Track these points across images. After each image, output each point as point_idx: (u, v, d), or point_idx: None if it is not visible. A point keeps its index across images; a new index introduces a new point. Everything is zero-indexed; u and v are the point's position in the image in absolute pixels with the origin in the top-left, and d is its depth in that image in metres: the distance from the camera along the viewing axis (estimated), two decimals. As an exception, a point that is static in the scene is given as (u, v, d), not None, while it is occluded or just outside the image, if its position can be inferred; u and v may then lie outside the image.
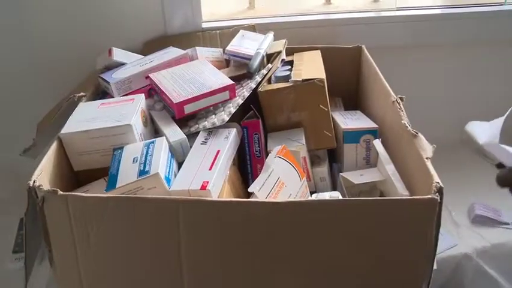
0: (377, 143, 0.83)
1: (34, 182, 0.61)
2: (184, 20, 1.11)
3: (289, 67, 0.95)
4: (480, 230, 1.09)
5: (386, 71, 0.96)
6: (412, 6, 1.26)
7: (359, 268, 0.64)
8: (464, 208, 1.16)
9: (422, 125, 0.98)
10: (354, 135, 0.87)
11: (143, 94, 0.84)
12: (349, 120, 0.93)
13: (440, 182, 0.62)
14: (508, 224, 1.09)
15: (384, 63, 1.02)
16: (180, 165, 0.72)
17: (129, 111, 0.77)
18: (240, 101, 0.80)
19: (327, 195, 0.76)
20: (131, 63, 0.93)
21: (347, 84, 1.10)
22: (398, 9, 1.25)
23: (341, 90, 1.09)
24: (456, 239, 1.07)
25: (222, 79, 0.83)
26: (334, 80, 1.05)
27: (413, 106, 1.04)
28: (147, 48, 1.08)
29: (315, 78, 0.81)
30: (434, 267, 1.00)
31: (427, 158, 0.68)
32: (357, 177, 0.82)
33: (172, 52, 0.96)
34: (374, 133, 0.88)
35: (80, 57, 1.04)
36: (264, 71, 0.89)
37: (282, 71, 0.92)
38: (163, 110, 0.85)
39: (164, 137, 0.75)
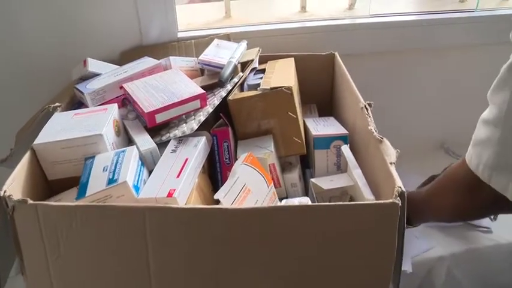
0: (345, 149, 0.85)
1: (5, 191, 0.63)
2: (160, 30, 1.12)
3: (262, 75, 0.97)
4: (457, 234, 1.10)
5: (361, 77, 0.99)
6: (386, 13, 1.28)
7: (326, 272, 0.66)
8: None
9: (397, 130, 1.01)
10: (324, 142, 0.89)
11: (116, 104, 0.85)
12: (320, 127, 0.94)
13: (402, 187, 0.64)
14: (488, 228, 1.10)
15: (359, 69, 1.05)
16: (150, 173, 0.74)
17: (102, 121, 0.78)
18: (210, 110, 0.82)
19: (296, 201, 0.78)
20: (106, 74, 0.95)
21: (321, 91, 1.12)
22: (372, 16, 1.27)
23: (315, 97, 1.11)
24: (432, 242, 1.09)
25: (194, 88, 0.85)
26: (308, 87, 1.08)
27: (388, 112, 1.07)
28: (124, 58, 1.10)
29: (283, 86, 0.83)
30: (410, 270, 1.02)
31: (391, 163, 0.70)
32: (326, 183, 0.84)
33: (146, 62, 0.98)
34: (344, 139, 0.90)
35: (58, 68, 1.05)
36: (236, 80, 0.91)
37: (254, 79, 0.95)
38: (136, 119, 0.86)
39: (135, 146, 0.76)
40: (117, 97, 0.92)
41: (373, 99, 0.89)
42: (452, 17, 1.28)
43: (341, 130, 0.92)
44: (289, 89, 0.83)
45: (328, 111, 1.11)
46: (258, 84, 0.90)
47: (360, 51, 1.23)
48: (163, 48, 1.11)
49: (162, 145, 0.80)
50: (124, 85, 0.89)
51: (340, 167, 0.90)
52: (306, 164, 0.96)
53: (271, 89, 0.83)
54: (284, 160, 0.90)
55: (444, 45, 1.28)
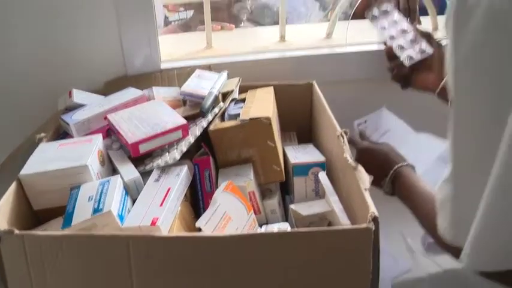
0: (322, 176, 0.88)
1: (-10, 222, 0.65)
2: (143, 61, 1.16)
3: (242, 104, 1.01)
4: (435, 256, 1.11)
5: (339, 104, 1.03)
6: (361, 42, 1.33)
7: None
8: (420, 234, 1.20)
9: None
10: (303, 169, 0.93)
11: (101, 134, 0.88)
12: (299, 154, 0.98)
13: (375, 212, 0.68)
14: None
15: (337, 96, 1.08)
16: (134, 202, 0.77)
17: (87, 151, 0.81)
18: (192, 140, 0.85)
19: (275, 228, 0.81)
20: (91, 104, 0.98)
21: (300, 118, 1.16)
22: (349, 45, 1.32)
23: (295, 125, 1.14)
24: (411, 264, 1.11)
25: (176, 119, 0.88)
26: (288, 115, 1.11)
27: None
28: (108, 87, 1.13)
29: (261, 117, 0.86)
30: (389, 292, 1.05)
31: (365, 189, 0.74)
32: (305, 208, 0.87)
33: (130, 93, 1.01)
34: (322, 166, 0.93)
35: (43, 96, 1.06)
36: (216, 110, 0.94)
37: (234, 109, 0.98)
38: (120, 149, 0.89)
39: (119, 176, 0.79)
40: (102, 127, 0.94)
41: (349, 126, 0.93)
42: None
43: (319, 157, 0.96)
44: (268, 119, 0.86)
45: (307, 138, 1.15)
46: (238, 114, 0.94)
47: (337, 79, 1.27)
48: (146, 78, 1.14)
49: (145, 174, 0.82)
50: (108, 116, 0.92)
51: (319, 193, 0.93)
52: (286, 190, 0.99)
53: (251, 119, 0.87)
54: (264, 187, 0.93)
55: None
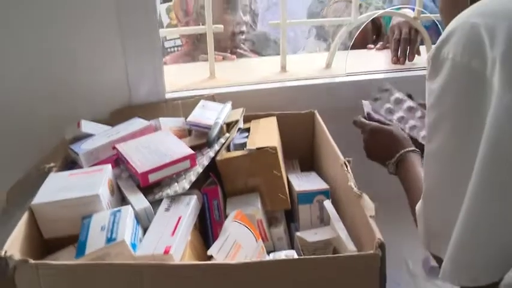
0: (327, 204, 0.90)
1: (5, 252, 0.66)
2: (148, 91, 1.18)
3: (247, 134, 1.03)
4: (436, 280, 1.12)
5: (340, 132, 1.06)
6: (360, 71, 1.37)
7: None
8: (421, 258, 1.21)
9: (377, 178, 1.07)
10: (308, 197, 0.95)
11: (110, 164, 0.90)
12: (303, 182, 1.00)
13: (381, 238, 0.70)
14: None
15: (338, 124, 1.11)
16: (145, 230, 0.78)
17: (97, 181, 0.83)
18: (200, 170, 0.87)
19: (282, 255, 0.83)
20: (99, 135, 1.00)
21: (302, 146, 1.18)
22: (348, 75, 1.35)
23: (297, 153, 1.17)
24: (413, 288, 1.13)
25: (183, 149, 0.90)
26: (290, 144, 1.14)
27: (367, 165, 1.12)
28: (114, 117, 1.15)
29: (267, 147, 0.89)
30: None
31: (370, 216, 0.76)
32: (311, 235, 0.89)
33: (137, 123, 1.03)
34: (326, 193, 0.96)
35: (49, 126, 1.08)
36: (222, 140, 0.96)
37: (239, 139, 1.00)
38: (129, 178, 0.91)
39: (130, 205, 0.80)
40: (110, 157, 0.96)
41: (352, 153, 0.96)
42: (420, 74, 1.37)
43: (323, 185, 0.98)
44: (274, 148, 0.89)
45: (309, 166, 1.17)
46: (244, 144, 0.96)
47: (337, 107, 1.30)
48: (151, 108, 1.16)
49: (154, 203, 0.84)
50: (117, 145, 0.94)
51: (323, 220, 0.95)
52: (291, 217, 1.01)
53: (257, 149, 0.89)
54: (270, 215, 0.94)
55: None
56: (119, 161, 0.95)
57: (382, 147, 1.05)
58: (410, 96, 1.19)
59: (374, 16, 1.33)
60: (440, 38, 0.69)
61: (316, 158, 1.17)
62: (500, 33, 0.61)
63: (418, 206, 0.80)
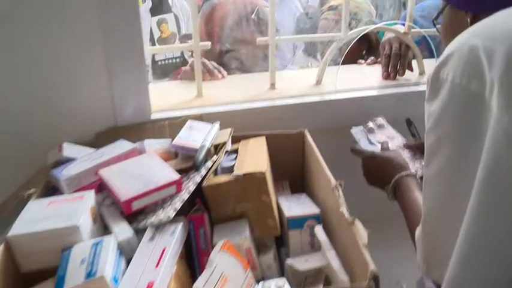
0: (318, 230, 0.87)
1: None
2: (134, 112, 1.15)
3: (235, 156, 1.00)
4: None
5: (332, 150, 1.05)
6: (351, 88, 1.34)
7: None
8: (416, 279, 1.18)
9: (370, 195, 1.05)
10: (298, 222, 0.92)
11: (93, 190, 0.86)
12: (293, 205, 0.97)
13: (375, 269, 0.67)
14: None
15: (329, 143, 1.10)
16: (129, 261, 0.74)
17: (78, 209, 0.79)
18: (186, 197, 0.84)
19: (272, 284, 0.79)
20: (81, 159, 0.96)
21: (292, 167, 1.16)
22: (338, 91, 1.33)
23: (287, 174, 1.14)
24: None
25: (169, 174, 0.87)
26: (280, 164, 1.11)
27: (358, 185, 1.10)
28: (99, 139, 1.12)
29: (256, 172, 0.86)
30: None
31: (363, 244, 0.73)
32: (302, 263, 0.86)
33: (121, 146, 1.00)
34: (317, 218, 0.93)
35: (31, 149, 1.04)
36: (209, 164, 0.93)
37: (227, 161, 0.97)
38: (112, 205, 0.87)
39: (112, 235, 0.77)
40: (94, 182, 0.93)
41: (343, 172, 0.94)
42: (410, 90, 1.36)
43: (314, 210, 0.95)
44: (262, 174, 0.86)
45: (300, 187, 1.14)
46: (232, 167, 0.93)
47: (328, 126, 1.28)
48: (137, 129, 1.13)
49: (138, 231, 0.80)
50: (100, 171, 0.91)
51: (314, 246, 0.92)
52: (281, 241, 0.97)
53: (245, 174, 0.86)
54: (259, 241, 0.91)
55: (412, 117, 1.33)
56: (102, 186, 0.92)
57: (379, 173, 1.05)
58: (409, 121, 1.17)
59: (364, 32, 1.30)
60: (440, 59, 0.68)
61: (306, 179, 1.15)
62: (499, 56, 0.60)
63: (418, 232, 0.78)
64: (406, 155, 1.15)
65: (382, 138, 1.19)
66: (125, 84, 1.13)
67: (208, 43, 1.24)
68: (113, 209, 0.86)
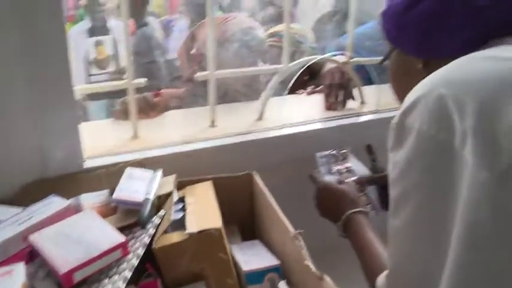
0: (283, 286, 0.80)
1: None
2: (64, 160, 1.03)
3: (182, 205, 0.92)
4: None
5: (281, 188, 1.00)
6: (296, 122, 1.30)
7: None
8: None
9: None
10: (257, 276, 0.86)
11: (23, 263, 0.75)
12: (249, 257, 0.91)
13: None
14: None
15: (277, 179, 1.05)
16: None
17: (7, 288, 0.68)
18: (135, 262, 0.75)
19: None
20: (6, 222, 0.84)
21: (242, 211, 1.10)
22: (282, 126, 1.28)
23: (236, 218, 1.07)
24: None
25: (113, 236, 0.78)
26: (228, 208, 1.03)
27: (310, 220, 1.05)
28: (26, 193, 0.99)
29: (211, 228, 0.79)
30: None
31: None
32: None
33: (54, 204, 0.88)
34: (277, 270, 0.87)
35: None
36: (157, 221, 0.84)
37: (175, 213, 0.89)
38: (48, 277, 0.76)
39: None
40: (23, 249, 0.81)
41: (296, 211, 0.91)
42: (366, 119, 1.33)
43: (273, 261, 0.90)
44: (218, 230, 0.79)
45: (250, 232, 1.08)
46: (181, 220, 0.85)
47: (274, 163, 1.22)
48: (70, 180, 1.02)
49: (81, 306, 0.70)
50: (31, 237, 0.79)
51: (276, 302, 0.85)
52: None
53: (199, 232, 0.79)
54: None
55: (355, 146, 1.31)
56: (33, 254, 0.80)
57: (331, 206, 1.02)
58: (369, 147, 1.17)
59: (308, 64, 1.27)
60: (405, 105, 0.65)
61: (258, 223, 1.08)
62: (470, 106, 0.58)
63: (381, 283, 0.74)
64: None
65: (343, 169, 1.16)
66: (53, 128, 1.00)
67: (143, 80, 1.15)
68: (48, 281, 0.75)
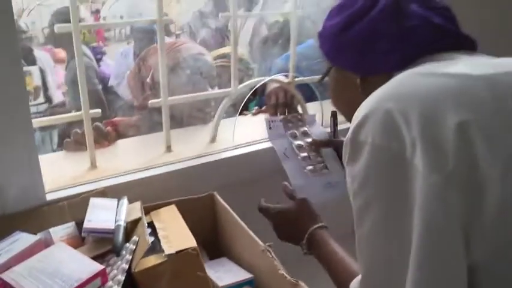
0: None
1: None
2: (23, 194, 1.01)
3: (150, 230, 0.94)
4: None
5: (244, 206, 1.03)
6: (249, 142, 1.34)
7: None
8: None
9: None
10: (232, 290, 0.88)
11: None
12: (221, 274, 0.94)
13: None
14: None
15: (239, 199, 1.08)
16: None
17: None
18: (117, 289, 0.76)
19: None
20: (-27, 263, 0.82)
21: (205, 231, 1.11)
22: (236, 147, 1.32)
23: (201, 239, 1.07)
24: None
25: (90, 265, 0.79)
26: (192, 230, 1.05)
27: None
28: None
29: (188, 248, 0.82)
30: None
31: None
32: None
33: (21, 240, 0.87)
34: (251, 283, 0.90)
35: None
36: (132, 246, 0.85)
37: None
38: (26, 314, 0.75)
39: None
40: (-6, 289, 0.80)
41: (260, 226, 0.95)
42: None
43: (245, 274, 0.93)
44: (195, 249, 0.82)
45: (216, 251, 1.10)
46: (154, 243, 0.87)
47: (230, 182, 1.25)
48: (32, 214, 1.01)
49: None
50: (2, 276, 0.78)
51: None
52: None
53: (177, 252, 0.81)
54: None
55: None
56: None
57: (290, 230, 1.01)
58: (334, 114, 1.21)
59: (256, 87, 1.32)
60: (355, 121, 0.70)
61: (223, 241, 1.11)
62: (414, 116, 0.63)
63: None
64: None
65: (296, 133, 1.26)
66: (9, 162, 0.99)
67: (99, 111, 1.16)
68: (27, 319, 0.75)
